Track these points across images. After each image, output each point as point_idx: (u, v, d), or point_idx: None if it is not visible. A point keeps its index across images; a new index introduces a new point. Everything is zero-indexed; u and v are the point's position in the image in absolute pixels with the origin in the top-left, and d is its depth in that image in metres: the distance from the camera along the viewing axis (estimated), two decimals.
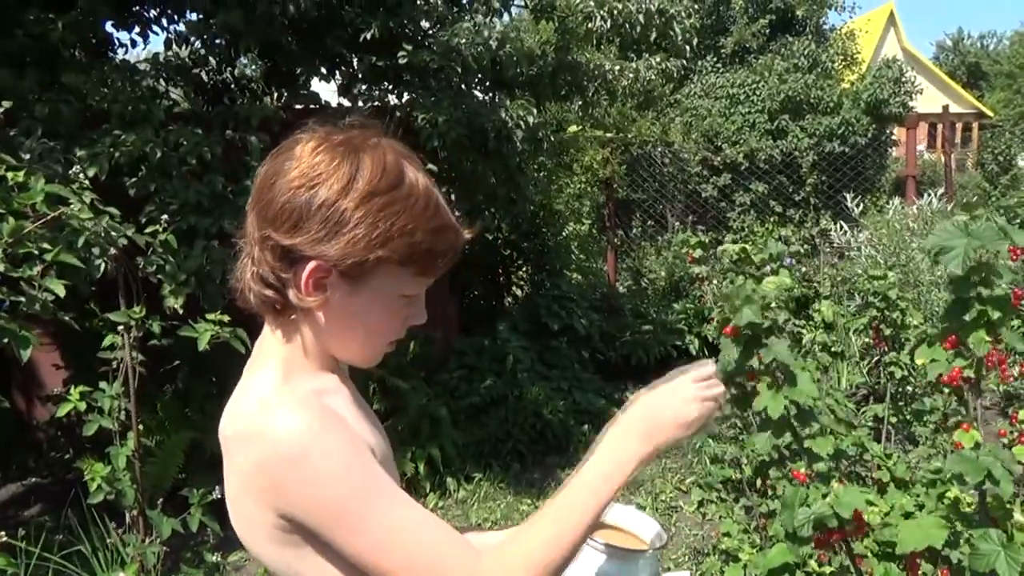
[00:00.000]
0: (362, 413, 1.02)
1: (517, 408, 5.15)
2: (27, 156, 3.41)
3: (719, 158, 10.62)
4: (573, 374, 5.84)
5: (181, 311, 3.31)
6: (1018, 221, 1.69)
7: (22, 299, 1.78)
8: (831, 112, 11.22)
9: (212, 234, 3.71)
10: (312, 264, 0.91)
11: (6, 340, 1.66)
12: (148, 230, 2.71)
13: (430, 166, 4.87)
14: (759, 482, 2.99)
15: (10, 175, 1.99)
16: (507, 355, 5.38)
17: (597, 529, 1.08)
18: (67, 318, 2.05)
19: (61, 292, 1.90)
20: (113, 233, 2.29)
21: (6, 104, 3.80)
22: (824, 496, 1.36)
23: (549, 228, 6.89)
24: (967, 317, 1.42)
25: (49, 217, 1.93)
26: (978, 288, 1.41)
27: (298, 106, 5.12)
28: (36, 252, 1.85)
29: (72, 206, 2.09)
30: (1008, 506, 1.41)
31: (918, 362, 1.66)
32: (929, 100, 15.77)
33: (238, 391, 0.98)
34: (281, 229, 0.91)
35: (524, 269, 7.02)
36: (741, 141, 10.89)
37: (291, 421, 0.87)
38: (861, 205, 7.36)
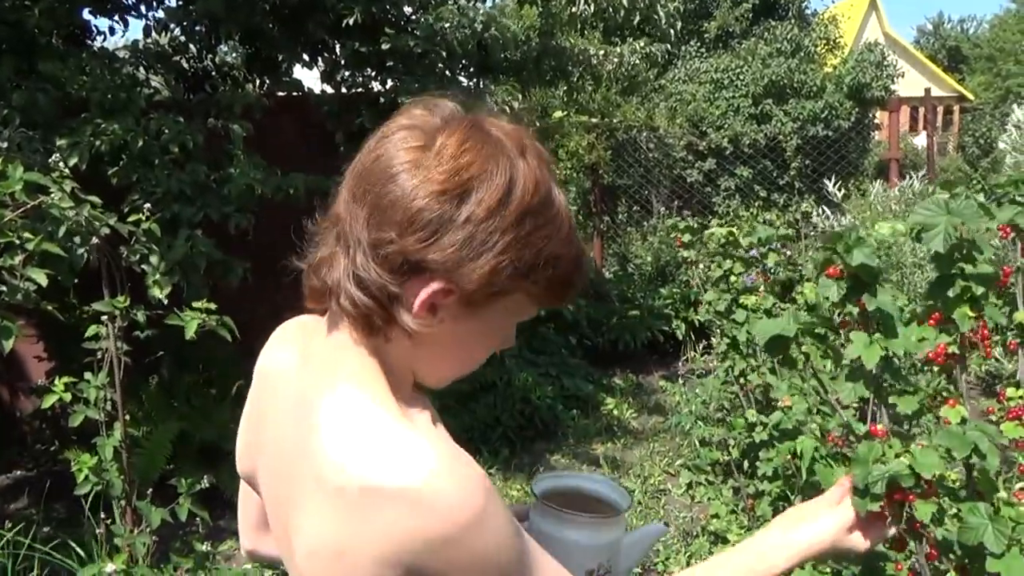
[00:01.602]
0: None
1: (506, 394, 5.16)
2: (4, 145, 3.36)
3: (704, 143, 10.64)
4: (561, 360, 5.85)
5: (166, 301, 3.29)
6: (1007, 200, 1.70)
7: (3, 289, 1.75)
8: (814, 96, 11.26)
9: (196, 223, 3.68)
10: (436, 285, 0.76)
11: None
12: (131, 219, 2.69)
13: None
14: (746, 464, 3.01)
15: None
16: None
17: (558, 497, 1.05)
18: (50, 308, 2.03)
19: (43, 281, 1.87)
20: (95, 222, 2.26)
21: None
22: (898, 456, 1.33)
23: None
24: (951, 293, 1.43)
25: (29, 206, 1.90)
26: (960, 265, 1.42)
27: (280, 93, 5.08)
28: (17, 242, 1.83)
29: (52, 195, 2.07)
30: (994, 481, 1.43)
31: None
32: (911, 84, 15.84)
33: (335, 422, 0.77)
34: (412, 237, 0.75)
35: None
36: (725, 126, 10.92)
37: (460, 483, 0.72)
38: (843, 189, 7.40)
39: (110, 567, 2.27)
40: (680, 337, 6.38)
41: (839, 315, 1.44)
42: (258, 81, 5.14)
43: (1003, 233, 1.64)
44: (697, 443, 4.21)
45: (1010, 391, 1.61)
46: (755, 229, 2.83)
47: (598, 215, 7.93)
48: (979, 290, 1.39)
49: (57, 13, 4.16)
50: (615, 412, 5.46)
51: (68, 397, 2.43)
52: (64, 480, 3.43)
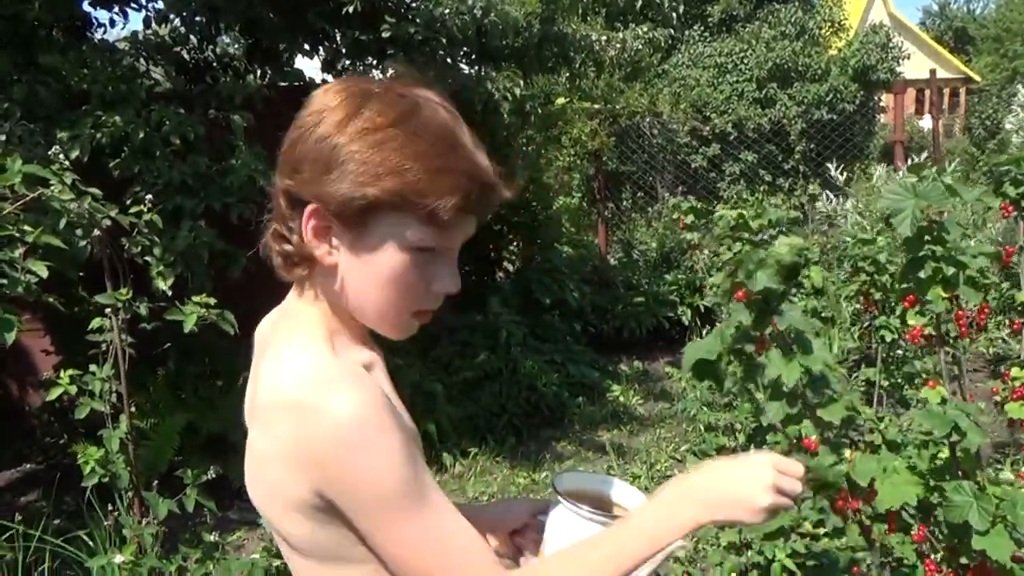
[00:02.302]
0: (394, 390, 0.96)
1: (511, 382, 5.16)
2: (3, 138, 3.36)
3: (708, 128, 10.58)
4: (566, 347, 5.85)
5: (170, 292, 3.29)
6: (1009, 179, 1.68)
7: (3, 282, 1.75)
8: (819, 79, 11.19)
9: (198, 214, 3.67)
10: (310, 207, 0.86)
11: None
12: (132, 210, 2.68)
13: None
14: (752, 448, 3.01)
15: None
16: (499, 329, 5.37)
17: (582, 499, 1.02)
18: (52, 300, 2.03)
19: (44, 273, 1.87)
20: (96, 214, 2.26)
21: None
22: (833, 464, 1.35)
23: (539, 202, 6.86)
24: (922, 275, 1.43)
25: (28, 198, 1.90)
26: (931, 247, 1.42)
27: (282, 83, 5.06)
28: (17, 234, 1.83)
29: (53, 187, 2.06)
30: (976, 459, 1.42)
31: (911, 322, 1.66)
32: (917, 66, 15.71)
33: (274, 357, 0.90)
34: (284, 172, 0.88)
35: (515, 244, 7.00)
36: (730, 110, 10.86)
37: (349, 403, 0.81)
38: (845, 173, 7.36)
39: (119, 558, 2.28)
40: (686, 323, 6.38)
41: (756, 338, 1.44)
42: (259, 71, 5.12)
43: (1004, 212, 1.63)
44: (703, 429, 4.21)
45: (1015, 371, 1.60)
46: (765, 211, 2.82)
47: (602, 202, 7.90)
48: (950, 271, 1.38)
49: (57, 5, 4.15)
50: (621, 399, 5.46)
51: (74, 390, 2.43)
52: (73, 473, 3.44)
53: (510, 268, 7.09)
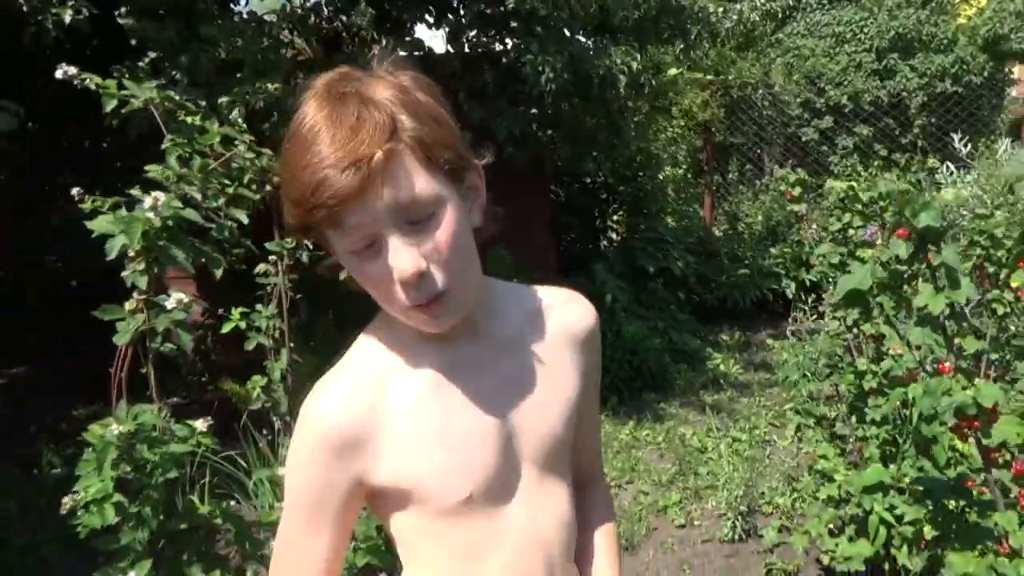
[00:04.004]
0: (461, 387, 0.92)
1: (615, 346, 5.36)
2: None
3: (821, 100, 10.33)
4: (669, 315, 5.99)
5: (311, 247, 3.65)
6: None
7: (212, 226, 2.09)
8: (944, 50, 10.68)
9: None
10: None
11: (203, 260, 1.98)
12: None
13: (534, 110, 5.05)
14: (854, 418, 3.12)
15: (189, 119, 2.30)
16: (605, 295, 5.57)
17: None
18: (248, 244, 2.37)
19: (245, 220, 2.20)
20: (268, 172, 2.59)
21: (152, 55, 4.18)
22: (964, 388, 1.53)
23: (646, 172, 6.98)
24: None
25: (225, 157, 2.23)
26: None
27: (402, 53, 5.36)
28: (219, 186, 2.16)
29: (239, 147, 2.39)
30: None
31: (1013, 285, 1.77)
32: None
33: None
34: None
35: (620, 212, 7.15)
36: (846, 82, 10.54)
37: (311, 404, 0.91)
38: (970, 146, 7.10)
39: (281, 470, 2.63)
40: (790, 296, 6.39)
41: (909, 270, 1.59)
42: (383, 41, 5.43)
43: None
44: (805, 395, 4.31)
45: None
46: (877, 183, 2.89)
47: (709, 173, 7.92)
48: None
49: None
50: (721, 367, 5.58)
51: (243, 325, 2.79)
52: (212, 408, 3.89)
53: (614, 237, 7.25)
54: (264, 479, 2.89)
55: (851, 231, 3.01)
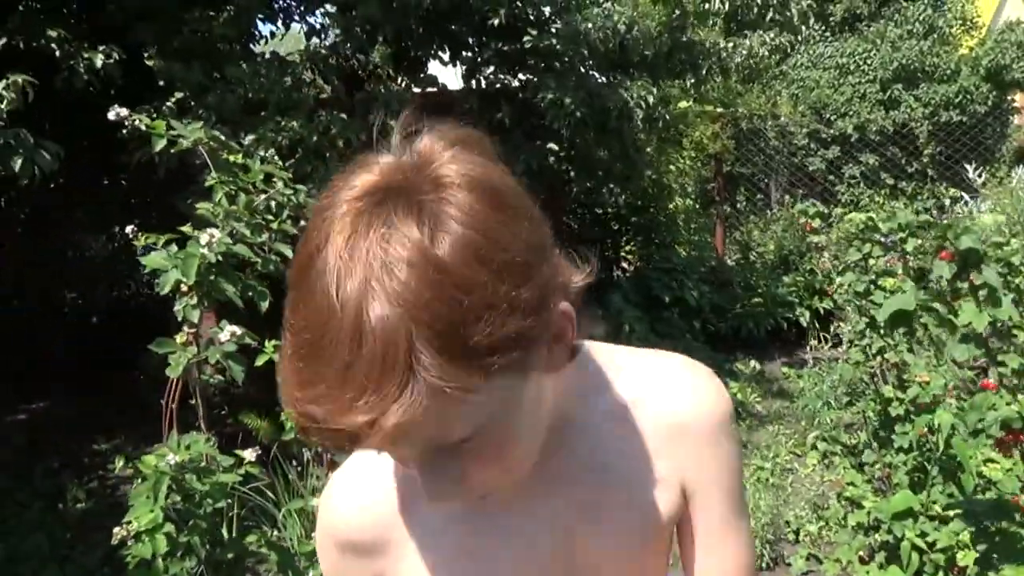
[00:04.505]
0: (508, 509, 0.74)
1: None
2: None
3: (828, 130, 10.45)
4: (685, 344, 6.02)
5: None
6: None
7: (259, 260, 2.15)
8: (948, 80, 10.83)
9: None
10: None
11: (250, 294, 2.04)
12: None
13: (551, 145, 5.15)
14: (876, 444, 3.14)
15: (232, 157, 2.38)
16: (622, 324, 5.62)
17: None
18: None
19: (289, 253, 2.27)
20: (304, 208, 2.66)
21: (179, 95, 4.29)
22: (1008, 404, 1.58)
23: (658, 203, 7.06)
24: None
25: (268, 194, 2.30)
26: None
27: (416, 89, 5.47)
28: (263, 222, 2.23)
29: (277, 184, 2.47)
30: None
31: None
32: None
33: None
34: None
35: (633, 243, 7.22)
36: (851, 112, 10.68)
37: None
38: (982, 175, 7.19)
39: (314, 500, 2.67)
40: (804, 325, 6.43)
41: (951, 291, 1.66)
42: (399, 79, 5.56)
43: None
44: (829, 422, 4.33)
45: None
46: (895, 214, 2.96)
47: (720, 203, 8.02)
48: None
49: (238, 21, 4.68)
50: (739, 396, 5.60)
51: (277, 357, 2.85)
52: (234, 441, 3.92)
53: (626, 267, 7.32)
54: (294, 511, 2.91)
55: (871, 260, 3.06)
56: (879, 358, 2.96)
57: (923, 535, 2.56)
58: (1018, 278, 3.34)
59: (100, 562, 3.69)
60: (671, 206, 7.55)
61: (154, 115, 3.38)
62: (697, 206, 8.79)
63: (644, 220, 6.94)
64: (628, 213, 6.91)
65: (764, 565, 3.36)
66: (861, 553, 2.84)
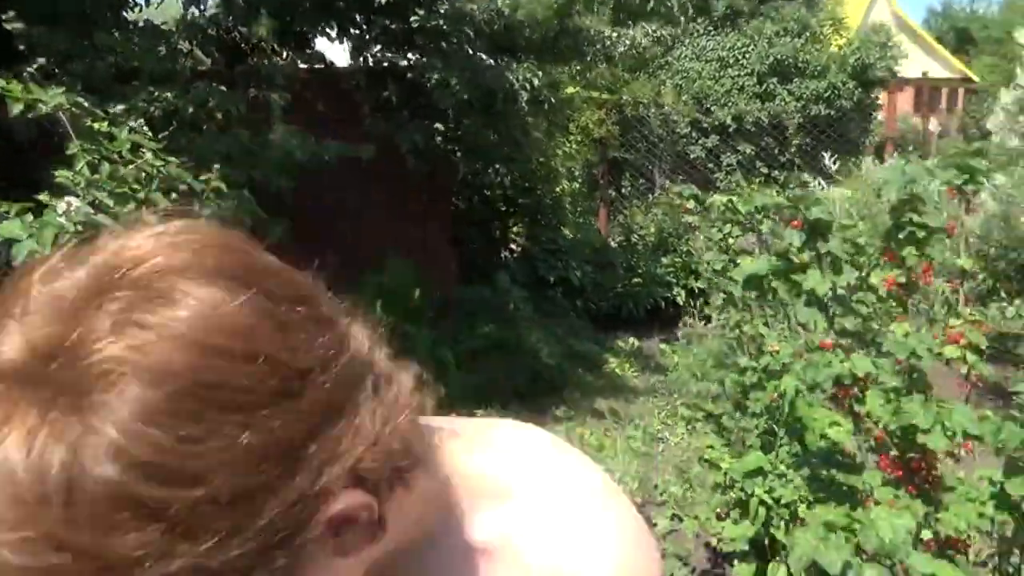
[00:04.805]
0: None
1: (516, 352, 5.53)
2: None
3: (708, 120, 10.92)
4: (568, 322, 6.23)
5: None
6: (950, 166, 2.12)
7: None
8: (818, 76, 11.53)
9: (242, 184, 4.02)
10: None
11: None
12: (202, 177, 3.02)
13: (437, 125, 5.19)
14: (738, 413, 3.39)
15: (97, 125, 2.31)
16: (507, 303, 5.75)
17: None
18: None
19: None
20: (176, 180, 2.61)
21: (40, 61, 4.08)
22: (842, 362, 1.78)
23: (545, 185, 7.23)
24: (901, 236, 1.85)
25: (136, 164, 2.25)
26: (909, 214, 1.83)
27: (303, 65, 5.39)
28: (130, 192, 2.18)
29: (146, 154, 2.42)
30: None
31: (873, 281, 2.07)
32: (918, 65, 16.02)
33: None
34: None
35: (520, 224, 7.37)
36: (730, 103, 11.20)
37: None
38: (838, 163, 7.75)
39: None
40: (680, 303, 6.76)
41: (798, 259, 1.84)
42: (285, 53, 5.45)
43: (950, 194, 2.04)
44: (695, 393, 4.60)
45: (952, 320, 2.02)
46: (753, 197, 3.19)
47: (604, 187, 8.27)
48: (922, 234, 1.78)
49: None
50: (618, 371, 5.85)
51: None
52: None
53: (514, 248, 7.46)
54: None
55: (731, 240, 3.28)
56: (737, 331, 3.18)
57: (771, 491, 2.80)
58: (863, 256, 3.66)
59: None
60: (558, 189, 7.74)
61: (12, 81, 3.21)
62: (584, 189, 9.04)
63: (531, 202, 7.09)
64: (515, 195, 7.04)
65: None
66: (718, 510, 3.07)
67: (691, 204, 3.48)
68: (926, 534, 1.92)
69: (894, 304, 2.13)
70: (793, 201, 2.06)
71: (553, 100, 5.28)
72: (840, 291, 1.99)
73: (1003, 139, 4.94)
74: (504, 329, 5.70)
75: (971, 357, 2.14)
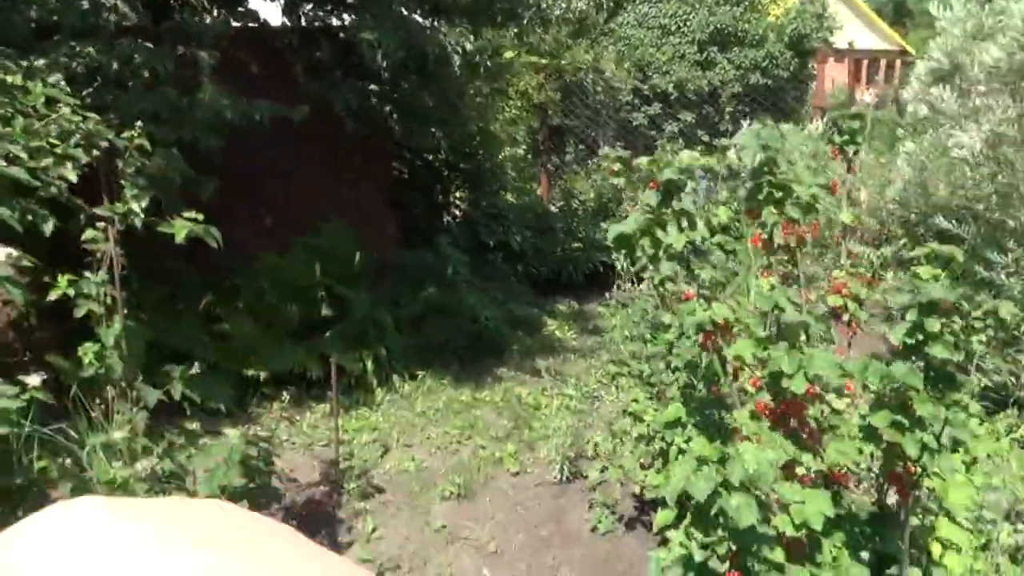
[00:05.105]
0: None
1: (456, 315, 5.58)
2: None
3: (648, 87, 11.01)
4: (508, 286, 6.29)
5: (142, 215, 3.59)
6: (836, 129, 2.25)
7: (39, 184, 2.07)
8: (757, 45, 11.69)
9: (170, 143, 3.94)
10: None
11: (30, 217, 1.97)
12: (125, 135, 2.97)
13: (372, 86, 5.14)
14: (663, 364, 3.51)
15: (9, 78, 2.25)
16: (447, 267, 5.77)
17: None
18: (79, 203, 2.34)
19: (73, 178, 2.20)
20: (96, 136, 2.57)
21: None
22: (705, 310, 1.88)
23: (486, 151, 7.23)
24: (760, 197, 1.97)
25: (52, 117, 2.21)
26: (767, 176, 1.95)
27: (236, 23, 5.26)
28: (47, 145, 2.14)
29: (63, 109, 2.36)
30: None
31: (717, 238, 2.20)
32: (857, 37, 16.38)
33: None
34: None
35: (462, 189, 7.37)
36: (671, 71, 11.30)
37: None
38: None
39: (117, 434, 2.64)
40: (619, 269, 6.88)
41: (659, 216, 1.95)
42: (216, 11, 5.31)
43: (833, 154, 2.16)
44: (626, 353, 4.72)
45: (835, 272, 2.15)
46: (674, 161, 3.28)
47: (545, 153, 8.31)
48: (779, 194, 1.89)
49: None
50: (557, 333, 5.95)
51: (72, 292, 2.74)
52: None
53: (457, 213, 7.47)
54: (98, 446, 2.86)
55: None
56: (660, 288, 3.27)
57: (688, 440, 2.93)
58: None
59: None
60: (500, 155, 7.75)
61: None
62: (528, 156, 9.07)
63: (472, 167, 7.09)
64: (456, 160, 7.03)
65: (564, 479, 3.68)
66: (642, 460, 3.19)
67: (617, 166, 3.54)
68: (801, 471, 2.08)
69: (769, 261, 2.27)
70: (649, 164, 2.19)
71: (489, 64, 5.26)
72: (699, 242, 2.12)
73: (915, 109, 5.12)
74: (445, 293, 5.73)
75: (851, 305, 2.33)
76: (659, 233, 1.98)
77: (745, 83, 11.26)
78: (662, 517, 2.97)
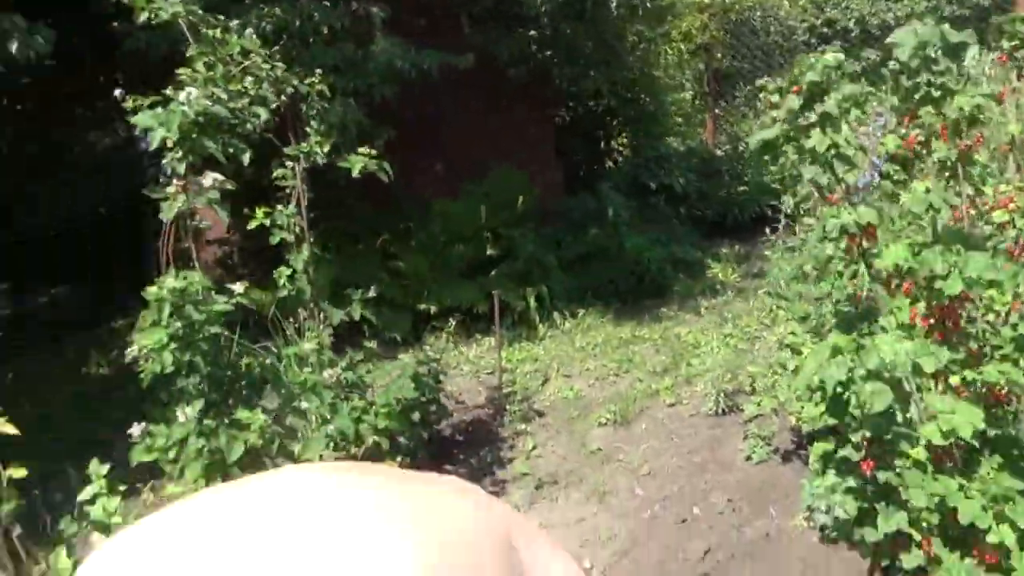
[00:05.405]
0: None
1: (618, 257, 5.65)
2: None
3: (824, 22, 10.35)
4: (670, 228, 6.26)
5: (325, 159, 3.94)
6: (1006, 34, 2.09)
7: (237, 120, 2.38)
8: None
9: (348, 92, 4.27)
10: None
11: (231, 150, 2.28)
12: (307, 81, 3.28)
13: (532, 32, 5.25)
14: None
15: (210, 32, 2.57)
16: (607, 210, 5.84)
17: None
18: (271, 136, 2.66)
19: (265, 115, 2.50)
20: (283, 83, 2.87)
21: None
22: (849, 215, 1.86)
23: (648, 96, 7.16)
24: (916, 96, 1.87)
25: (244, 65, 2.51)
26: (924, 75, 1.85)
27: None
28: (243, 89, 2.45)
29: (255, 58, 2.67)
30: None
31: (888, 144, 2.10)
32: None
33: None
34: None
35: (624, 135, 7.36)
36: (851, 6, 10.53)
37: None
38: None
39: (308, 346, 2.99)
40: (788, 212, 6.62)
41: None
42: None
43: (1001, 60, 2.01)
44: (790, 293, 4.59)
45: (1002, 186, 2.02)
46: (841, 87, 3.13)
47: (712, 96, 8.08)
48: (937, 93, 1.80)
49: None
50: (720, 275, 5.87)
51: (268, 222, 3.10)
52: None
53: (619, 159, 7.48)
54: (291, 355, 3.22)
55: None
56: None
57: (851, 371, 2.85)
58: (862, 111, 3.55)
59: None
60: (664, 100, 7.64)
61: None
62: (696, 101, 8.86)
63: (634, 112, 7.06)
64: (618, 105, 7.02)
65: (720, 411, 3.69)
66: (798, 392, 3.14)
67: (774, 98, 3.44)
68: (955, 380, 1.98)
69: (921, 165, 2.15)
70: (793, 69, 2.15)
71: (649, 5, 5.20)
72: (841, 149, 2.04)
73: None
74: (607, 236, 5.81)
75: (1020, 221, 2.16)
76: (803, 139, 1.95)
77: (939, 15, 10.26)
78: (819, 448, 2.93)
